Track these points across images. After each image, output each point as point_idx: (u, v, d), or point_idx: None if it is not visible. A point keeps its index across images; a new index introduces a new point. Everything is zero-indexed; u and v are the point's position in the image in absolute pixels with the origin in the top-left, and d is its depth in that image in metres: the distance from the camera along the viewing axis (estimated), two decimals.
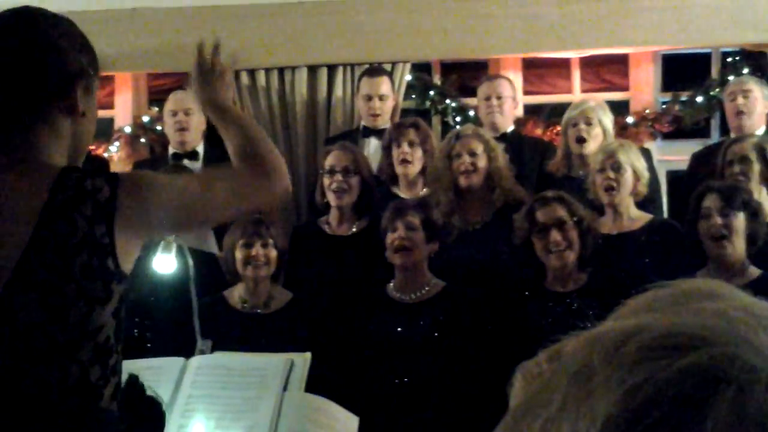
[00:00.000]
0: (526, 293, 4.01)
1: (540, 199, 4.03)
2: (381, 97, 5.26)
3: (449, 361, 3.88)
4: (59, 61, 1.93)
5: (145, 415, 2.09)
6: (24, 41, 1.92)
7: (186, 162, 5.18)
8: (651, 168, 4.79)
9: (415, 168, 4.71)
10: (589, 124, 4.72)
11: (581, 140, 4.69)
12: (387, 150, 4.78)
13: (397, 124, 4.91)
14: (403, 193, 4.73)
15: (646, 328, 0.59)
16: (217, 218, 2.31)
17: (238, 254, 4.13)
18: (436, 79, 6.12)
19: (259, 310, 4.15)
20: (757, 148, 4.29)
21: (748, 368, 0.55)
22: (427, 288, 4.07)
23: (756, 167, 4.27)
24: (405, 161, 4.68)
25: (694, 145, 5.57)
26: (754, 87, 5.01)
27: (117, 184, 1.88)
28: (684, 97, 5.94)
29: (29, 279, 1.81)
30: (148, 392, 2.10)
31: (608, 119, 4.82)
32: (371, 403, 3.81)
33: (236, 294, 4.19)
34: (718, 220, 3.78)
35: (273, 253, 4.14)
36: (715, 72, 6.02)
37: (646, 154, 4.93)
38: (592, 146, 4.64)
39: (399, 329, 3.98)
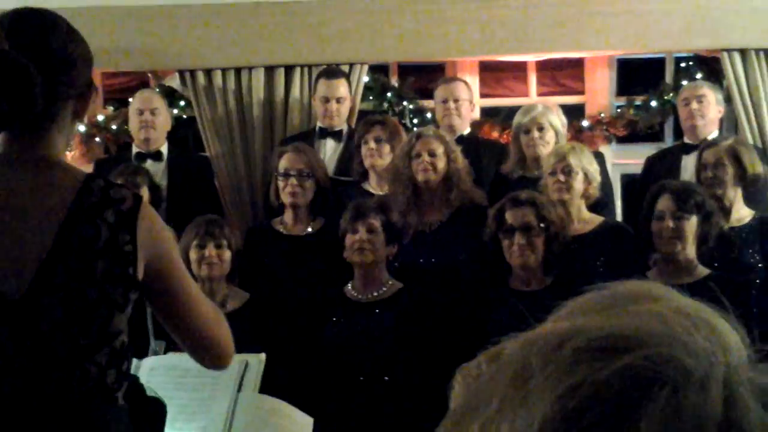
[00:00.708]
0: (490, 292, 4.04)
1: (512, 199, 4.05)
2: (338, 100, 5.26)
3: (407, 361, 3.89)
4: (86, 66, 1.97)
5: (150, 414, 2.13)
6: (62, 43, 1.91)
7: (149, 162, 5.15)
8: (604, 171, 4.84)
9: (383, 163, 4.72)
10: (541, 129, 4.76)
11: (535, 147, 4.73)
12: (358, 148, 4.79)
13: (365, 121, 4.93)
14: (373, 189, 4.75)
15: (582, 330, 0.59)
16: (181, 335, 2.13)
17: (192, 255, 4.12)
18: (394, 81, 6.13)
19: None
20: (730, 152, 4.34)
21: (683, 369, 0.56)
22: (384, 288, 4.08)
23: (730, 170, 4.33)
24: (371, 156, 4.69)
25: (648, 149, 5.63)
26: (708, 92, 5.07)
27: (140, 201, 1.94)
28: (638, 101, 6.01)
29: (53, 281, 1.83)
30: (148, 392, 2.14)
31: (558, 120, 4.86)
32: (327, 404, 3.81)
33: None
34: (671, 223, 3.83)
35: (227, 254, 4.13)
36: (669, 77, 6.09)
37: (600, 157, 4.98)
38: (547, 150, 4.68)
39: (357, 329, 3.99)
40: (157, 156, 5.25)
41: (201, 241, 4.11)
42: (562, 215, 4.17)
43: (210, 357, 2.11)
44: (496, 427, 0.58)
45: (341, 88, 5.30)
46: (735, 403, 0.55)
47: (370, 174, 4.78)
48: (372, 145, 4.70)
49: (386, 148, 4.71)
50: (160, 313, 2.06)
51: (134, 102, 5.36)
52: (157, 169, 5.04)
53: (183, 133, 6.14)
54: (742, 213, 4.39)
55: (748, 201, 4.50)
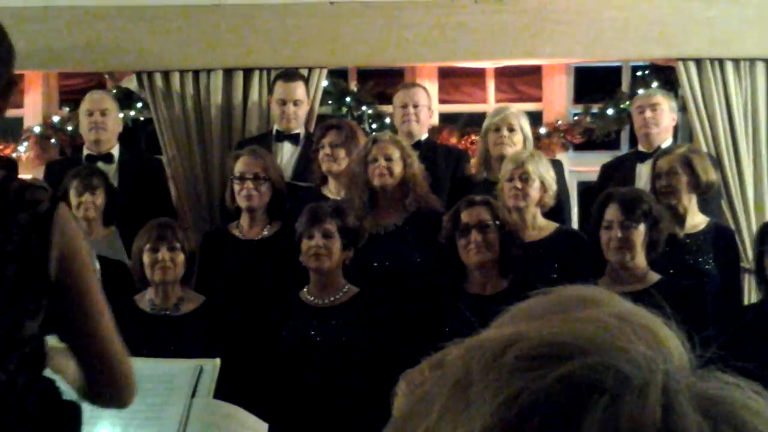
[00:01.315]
0: (446, 296, 4.05)
1: (467, 201, 4.09)
2: (295, 102, 5.25)
3: (363, 366, 3.89)
4: (9, 61, 1.89)
5: (64, 418, 2.06)
6: None
7: (100, 164, 5.10)
8: (562, 180, 4.89)
9: (339, 168, 4.71)
10: (511, 130, 4.80)
11: (503, 146, 4.76)
12: (315, 152, 4.78)
13: (321, 125, 4.92)
14: (332, 194, 4.74)
15: (523, 337, 0.59)
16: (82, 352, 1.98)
17: (146, 258, 4.09)
18: (353, 86, 6.13)
19: (168, 313, 4.10)
20: (683, 160, 4.38)
21: (622, 377, 0.56)
22: (341, 293, 4.08)
23: (683, 179, 4.37)
24: (328, 161, 4.68)
25: (604, 157, 5.68)
26: (662, 100, 5.12)
27: (57, 203, 1.86)
28: (595, 109, 6.07)
29: None
30: (65, 396, 2.07)
31: (527, 125, 4.91)
32: (282, 409, 3.80)
33: (146, 298, 4.14)
34: (618, 233, 3.86)
35: (180, 257, 4.10)
36: (625, 85, 6.15)
37: (558, 165, 5.02)
38: (513, 151, 4.71)
39: (313, 333, 3.98)
40: (107, 158, 5.21)
41: (154, 245, 4.08)
42: (516, 220, 4.21)
43: (113, 390, 1.97)
44: None
45: (298, 90, 5.29)
46: (673, 411, 0.55)
47: (329, 179, 4.78)
48: (328, 150, 4.69)
49: (342, 152, 4.70)
50: (66, 331, 1.93)
51: (84, 103, 5.30)
52: (107, 172, 4.99)
53: (137, 135, 6.09)
54: (696, 220, 4.43)
55: (703, 208, 4.55)
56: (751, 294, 5.30)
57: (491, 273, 4.03)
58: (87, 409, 2.79)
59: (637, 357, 0.57)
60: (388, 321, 4.01)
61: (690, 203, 4.41)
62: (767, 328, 3.91)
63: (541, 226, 4.39)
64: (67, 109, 6.08)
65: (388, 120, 5.81)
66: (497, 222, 4.00)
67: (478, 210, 4.02)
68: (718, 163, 5.39)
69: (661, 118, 5.06)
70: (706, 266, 4.33)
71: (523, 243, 4.16)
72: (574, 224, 5.35)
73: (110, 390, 1.97)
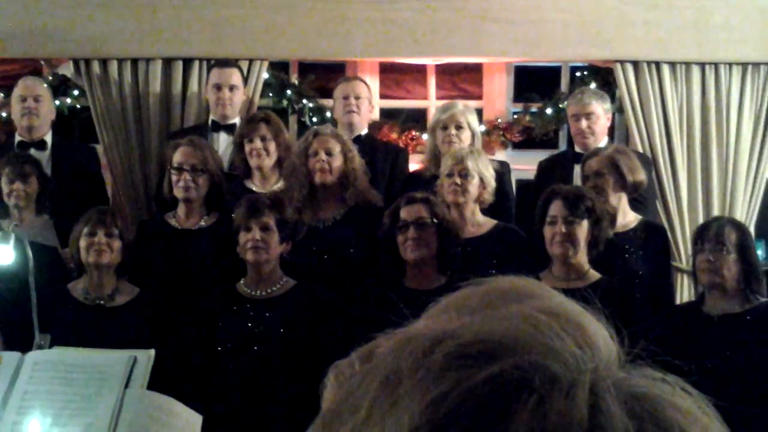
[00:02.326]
0: (384, 291, 4.05)
1: (407, 198, 4.11)
2: (231, 88, 5.21)
3: (299, 358, 3.88)
4: None
5: None
6: None
7: (33, 151, 5.02)
8: (509, 181, 4.94)
9: (270, 161, 4.70)
10: (459, 128, 4.82)
11: (451, 144, 4.78)
12: (239, 144, 4.75)
13: (249, 118, 4.88)
14: (256, 186, 4.72)
15: (453, 334, 0.59)
16: None
17: (82, 243, 4.05)
18: (294, 79, 6.11)
19: (102, 303, 4.06)
20: (610, 162, 4.44)
21: (551, 376, 0.56)
22: (278, 285, 4.07)
23: (610, 180, 4.43)
24: (258, 155, 4.66)
25: (542, 155, 5.73)
26: (596, 108, 5.09)
27: None
28: (534, 108, 6.12)
29: None
30: None
31: (475, 121, 4.94)
32: (216, 401, 3.78)
33: (80, 286, 4.09)
34: (563, 228, 3.91)
35: (117, 243, 4.07)
36: (564, 86, 6.22)
37: (505, 167, 5.05)
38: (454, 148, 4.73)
39: (249, 325, 3.96)
40: (40, 145, 5.13)
41: (91, 229, 4.04)
42: (455, 218, 4.23)
43: None
44: None
45: (234, 76, 5.26)
46: (600, 410, 0.55)
47: (254, 171, 4.75)
48: (258, 144, 4.66)
49: (272, 146, 4.69)
50: None
51: (17, 89, 5.23)
52: (40, 159, 4.91)
53: (72, 123, 6.00)
54: (627, 219, 4.50)
55: (637, 208, 4.62)
56: (683, 293, 5.40)
57: (429, 269, 4.05)
58: (18, 398, 2.75)
59: (565, 355, 0.57)
60: (325, 314, 4.01)
61: (620, 202, 4.47)
62: (699, 328, 3.99)
63: (480, 223, 4.42)
64: (2, 94, 5.96)
65: (328, 114, 5.80)
66: (435, 219, 4.02)
67: (416, 207, 4.04)
68: (652, 163, 5.48)
69: (596, 126, 5.09)
70: (634, 264, 4.39)
71: (462, 240, 4.18)
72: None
73: None
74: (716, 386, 3.63)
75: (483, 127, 6.04)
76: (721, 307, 4.02)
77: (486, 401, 0.55)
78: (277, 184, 4.72)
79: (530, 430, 0.54)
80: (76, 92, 5.83)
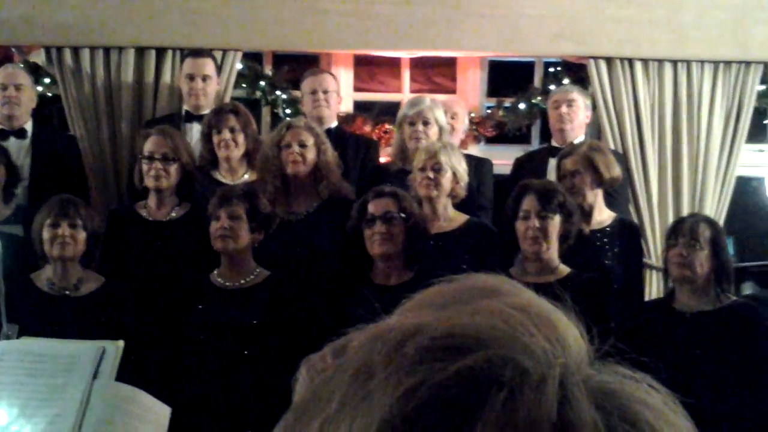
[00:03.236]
0: (351, 285, 4.05)
1: (375, 192, 4.11)
2: (204, 78, 5.19)
3: (271, 349, 3.87)
4: None
5: None
6: None
7: (13, 140, 4.99)
8: (489, 178, 4.95)
9: (238, 153, 4.68)
10: (426, 123, 4.81)
11: (418, 140, 4.78)
12: (207, 136, 4.72)
13: (217, 110, 4.86)
14: (224, 178, 4.70)
15: (425, 328, 0.59)
16: None
17: (45, 234, 4.01)
18: (267, 70, 6.08)
19: (68, 293, 4.02)
20: (586, 160, 4.46)
21: (521, 370, 0.56)
22: (251, 276, 4.06)
23: (587, 178, 4.45)
24: (227, 147, 4.64)
25: (515, 150, 5.76)
26: (578, 97, 5.21)
27: None
28: (507, 103, 6.14)
29: None
30: None
31: (443, 116, 4.93)
32: (187, 392, 3.77)
33: (44, 276, 4.05)
34: (536, 222, 3.92)
35: (81, 234, 4.03)
36: (537, 81, 6.25)
37: (487, 165, 5.06)
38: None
39: (222, 316, 3.95)
40: (20, 133, 5.09)
41: (54, 221, 3.99)
42: (424, 212, 4.24)
43: None
44: (335, 427, 0.58)
45: (207, 66, 5.24)
46: (569, 404, 0.56)
47: (221, 163, 4.72)
48: (227, 134, 4.65)
49: (240, 137, 4.67)
50: None
51: None
52: (20, 147, 4.88)
53: (48, 111, 5.95)
54: (603, 216, 4.52)
55: (610, 204, 4.64)
56: (652, 290, 5.43)
57: (395, 264, 4.05)
58: None
59: (535, 350, 0.58)
60: (297, 306, 4.01)
61: (596, 199, 4.49)
62: (670, 325, 4.01)
63: (452, 218, 4.42)
64: None
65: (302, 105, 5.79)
66: (403, 214, 4.02)
67: (385, 201, 4.04)
68: (624, 159, 5.51)
69: (576, 114, 5.15)
70: (608, 261, 4.42)
71: (430, 235, 4.18)
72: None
73: None
74: (687, 383, 3.66)
75: (466, 121, 6.05)
76: (692, 304, 4.04)
77: (457, 394, 0.55)
78: (244, 176, 4.70)
79: (500, 423, 0.54)
80: (47, 80, 5.78)
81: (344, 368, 0.61)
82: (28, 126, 5.15)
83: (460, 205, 4.49)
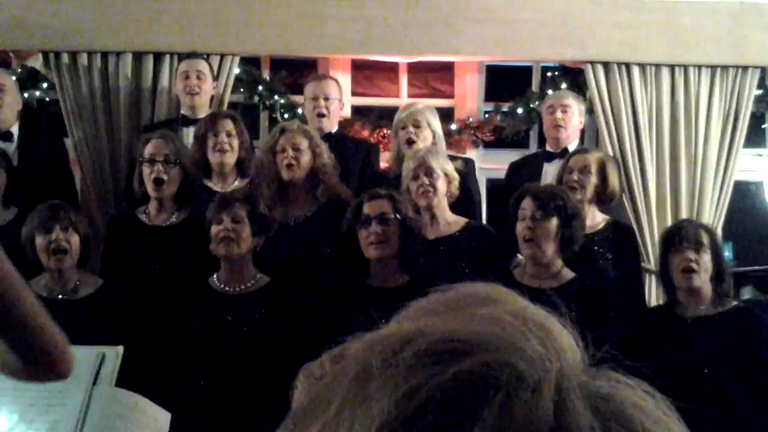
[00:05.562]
0: (349, 288, 4.05)
1: (370, 193, 4.11)
2: (198, 75, 5.19)
3: (270, 355, 3.87)
4: None
5: None
6: None
7: None
8: (473, 177, 4.95)
9: (232, 158, 4.67)
10: (417, 126, 4.81)
11: (410, 142, 4.78)
12: (201, 139, 4.70)
13: (213, 114, 4.85)
14: (215, 185, 4.68)
15: (422, 333, 0.60)
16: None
17: (39, 241, 3.99)
18: (265, 75, 6.09)
19: (66, 297, 4.02)
20: (599, 163, 4.46)
21: (517, 374, 0.57)
22: (251, 281, 4.05)
23: (593, 180, 4.44)
24: (222, 150, 4.62)
25: (513, 155, 5.75)
26: (573, 102, 5.21)
27: None
28: (505, 107, 6.14)
29: None
30: None
31: (436, 122, 4.93)
32: (186, 397, 3.76)
33: (42, 282, 4.03)
34: (530, 224, 3.92)
35: (75, 237, 4.02)
36: (535, 85, 6.25)
37: (470, 163, 5.07)
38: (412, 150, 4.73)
39: (222, 321, 3.94)
40: (6, 136, 5.07)
41: (46, 227, 3.98)
42: (426, 218, 4.23)
43: (47, 359, 1.86)
44: (334, 431, 0.58)
45: (201, 64, 5.25)
46: (566, 408, 0.56)
47: (213, 170, 4.70)
48: (223, 138, 4.62)
49: (236, 142, 4.66)
50: None
51: None
52: (6, 150, 4.86)
53: (41, 116, 5.94)
54: (595, 220, 4.51)
55: (603, 208, 4.63)
56: (651, 294, 5.43)
57: (391, 267, 4.04)
58: None
59: (531, 354, 0.59)
60: (297, 312, 4.00)
61: (589, 211, 4.47)
62: (672, 330, 4.00)
63: (450, 221, 4.42)
64: None
65: (300, 110, 5.79)
66: (398, 216, 4.02)
67: (380, 202, 4.03)
68: (622, 164, 5.52)
69: (571, 119, 5.15)
70: (604, 265, 4.40)
71: (425, 239, 4.18)
72: (483, 221, 5.41)
73: (45, 359, 1.87)
74: (690, 388, 3.64)
75: (454, 126, 6.07)
76: (694, 309, 4.03)
77: (454, 397, 0.56)
78: (235, 183, 4.69)
79: (497, 426, 0.55)
80: (45, 85, 5.78)
81: (343, 373, 0.61)
82: (15, 129, 5.13)
83: (454, 205, 4.48)
